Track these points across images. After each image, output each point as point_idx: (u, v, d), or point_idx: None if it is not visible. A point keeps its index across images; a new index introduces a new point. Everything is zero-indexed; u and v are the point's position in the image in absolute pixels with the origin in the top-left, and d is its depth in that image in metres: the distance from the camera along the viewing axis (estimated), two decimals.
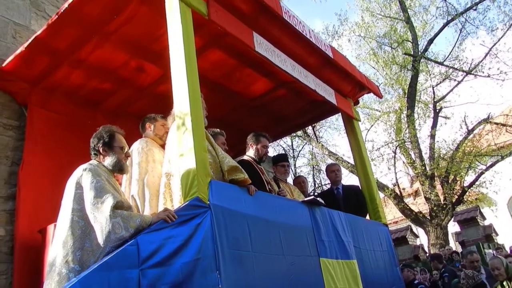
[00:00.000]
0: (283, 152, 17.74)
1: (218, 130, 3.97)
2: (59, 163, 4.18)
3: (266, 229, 3.22)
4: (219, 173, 3.19)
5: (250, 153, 4.23)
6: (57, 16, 3.70)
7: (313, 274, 3.52)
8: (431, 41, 13.84)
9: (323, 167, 15.22)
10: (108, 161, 2.86)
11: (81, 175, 2.62)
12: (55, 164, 4.31)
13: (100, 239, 2.42)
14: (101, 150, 2.87)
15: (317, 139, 15.84)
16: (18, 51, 4.12)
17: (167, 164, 3.24)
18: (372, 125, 14.63)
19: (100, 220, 2.44)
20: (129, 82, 4.84)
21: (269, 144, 4.54)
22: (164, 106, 3.60)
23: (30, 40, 4.00)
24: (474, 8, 13.27)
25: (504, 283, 4.40)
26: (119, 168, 2.89)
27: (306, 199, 4.03)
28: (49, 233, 3.55)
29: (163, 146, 3.61)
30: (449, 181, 12.56)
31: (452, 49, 14.06)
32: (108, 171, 2.81)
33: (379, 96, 6.44)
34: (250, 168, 3.85)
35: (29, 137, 4.39)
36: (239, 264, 2.81)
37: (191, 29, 3.26)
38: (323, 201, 4.05)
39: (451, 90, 14.07)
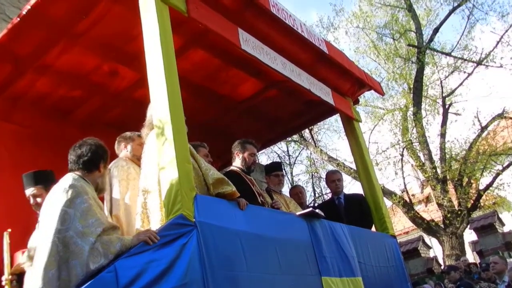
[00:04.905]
0: (278, 159, 17.78)
1: (199, 142, 3.99)
2: None
3: (261, 246, 3.23)
4: (203, 187, 3.20)
5: (237, 163, 4.25)
6: (19, 19, 3.70)
7: None
8: (436, 30, 14.01)
9: (323, 174, 15.28)
10: (101, 179, 2.94)
11: (67, 191, 2.62)
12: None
13: (79, 269, 2.41)
14: (101, 167, 2.91)
15: (315, 143, 15.91)
16: None
17: (143, 180, 3.25)
18: (375, 125, 14.75)
19: (81, 247, 2.44)
20: (102, 88, 4.84)
21: (261, 151, 4.57)
22: (141, 113, 3.62)
23: None
24: None
25: None
26: (105, 189, 2.99)
27: (303, 211, 4.05)
28: (16, 261, 3.52)
29: None
30: (463, 185, 12.66)
31: (460, 38, 14.27)
32: (92, 187, 2.83)
33: (381, 93, 6.52)
34: (238, 179, 3.87)
35: None
36: (233, 286, 2.82)
37: (169, 27, 3.29)
38: (322, 213, 4.07)
39: (461, 83, 14.24)
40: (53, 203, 2.63)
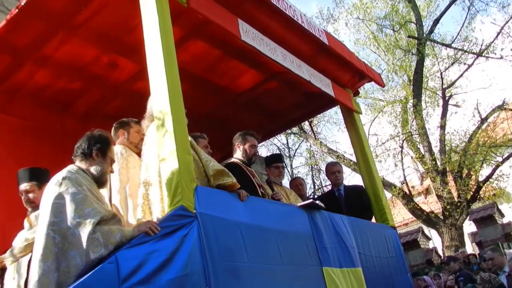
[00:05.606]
0: (278, 151, 17.79)
1: (198, 133, 3.98)
2: None
3: (262, 237, 3.24)
4: (204, 178, 3.20)
5: (238, 155, 4.25)
6: (17, 10, 3.68)
7: (317, 285, 3.54)
8: (436, 21, 13.95)
9: (323, 167, 15.29)
10: (97, 168, 2.87)
11: (61, 184, 2.62)
12: None
13: (79, 259, 2.41)
14: (93, 154, 2.88)
15: (315, 136, 15.90)
16: None
17: (144, 171, 3.25)
18: (375, 117, 14.74)
19: (79, 238, 2.44)
20: (102, 80, 4.83)
21: (260, 143, 4.57)
22: (141, 105, 3.61)
23: None
24: None
25: None
26: (103, 180, 2.91)
27: (303, 203, 4.05)
28: None
29: (139, 154, 3.60)
30: (463, 176, 12.68)
31: (460, 30, 14.24)
32: (90, 179, 2.81)
33: (381, 85, 6.51)
34: (239, 171, 3.87)
35: None
36: (234, 277, 2.83)
37: (168, 18, 3.27)
38: (322, 204, 4.08)
39: (461, 75, 14.23)
40: (47, 197, 2.63)
